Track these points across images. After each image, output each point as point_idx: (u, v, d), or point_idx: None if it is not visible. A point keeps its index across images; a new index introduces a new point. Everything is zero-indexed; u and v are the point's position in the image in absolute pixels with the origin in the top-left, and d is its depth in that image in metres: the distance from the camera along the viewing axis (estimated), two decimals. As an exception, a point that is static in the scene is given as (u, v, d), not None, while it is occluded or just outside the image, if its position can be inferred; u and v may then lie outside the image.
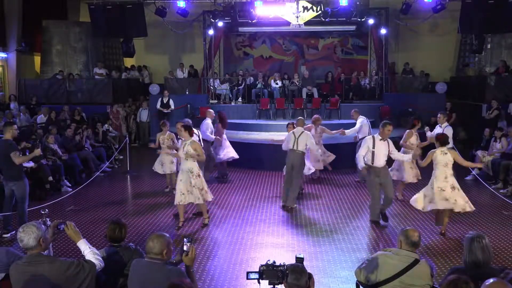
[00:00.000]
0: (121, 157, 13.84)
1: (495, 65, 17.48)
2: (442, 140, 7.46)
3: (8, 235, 7.62)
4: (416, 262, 3.95)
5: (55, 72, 18.31)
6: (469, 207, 7.24)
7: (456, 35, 18.99)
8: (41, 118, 14.53)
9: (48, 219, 4.22)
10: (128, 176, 12.11)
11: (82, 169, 11.56)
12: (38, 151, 7.73)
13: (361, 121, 10.96)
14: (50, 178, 10.01)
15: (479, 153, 11.41)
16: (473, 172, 11.05)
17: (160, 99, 16.24)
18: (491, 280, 2.92)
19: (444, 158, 7.30)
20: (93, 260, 3.78)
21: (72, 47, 19.15)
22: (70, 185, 10.68)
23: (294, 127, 9.35)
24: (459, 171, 11.23)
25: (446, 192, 7.23)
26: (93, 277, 3.70)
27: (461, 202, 7.22)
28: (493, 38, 18.02)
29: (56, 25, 19.02)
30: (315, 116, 11.17)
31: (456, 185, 7.32)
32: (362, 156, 7.91)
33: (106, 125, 14.71)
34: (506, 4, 14.49)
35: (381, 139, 7.82)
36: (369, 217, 8.27)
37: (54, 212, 8.56)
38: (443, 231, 7.52)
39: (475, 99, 16.63)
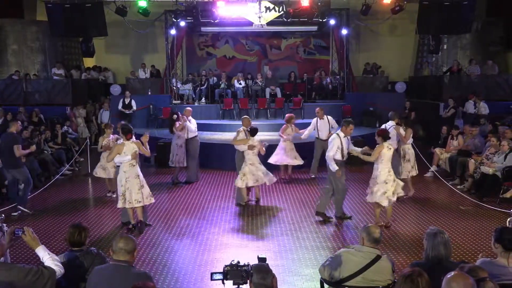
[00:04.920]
0: (81, 159, 13.54)
1: (451, 65, 18.08)
2: (383, 135, 7.71)
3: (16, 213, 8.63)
4: (378, 258, 4.04)
5: (11, 72, 17.73)
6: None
7: (414, 36, 19.52)
8: (-4, 120, 14.06)
9: (4, 224, 4.08)
10: (89, 179, 11.84)
11: (41, 173, 11.22)
12: (33, 147, 9.24)
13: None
14: (7, 182, 9.67)
15: (437, 150, 11.76)
16: (432, 169, 11.40)
17: (121, 100, 15.96)
18: (453, 273, 3.03)
19: (389, 153, 7.62)
20: (53, 266, 3.66)
21: (29, 47, 18.59)
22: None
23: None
24: (419, 168, 11.63)
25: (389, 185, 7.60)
26: (53, 284, 3.59)
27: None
28: (449, 39, 18.65)
29: (12, 24, 18.43)
30: (290, 114, 11.74)
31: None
32: (332, 157, 7.99)
33: (65, 127, 14.33)
34: (460, 6, 14.99)
35: (344, 136, 8.04)
36: (335, 213, 8.41)
37: (11, 217, 8.29)
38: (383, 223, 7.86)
39: (433, 98, 17.16)
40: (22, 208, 8.71)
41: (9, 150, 8.49)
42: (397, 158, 9.34)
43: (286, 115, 11.91)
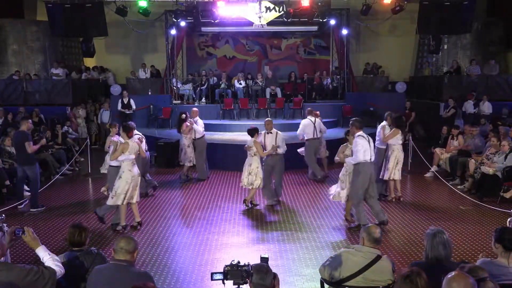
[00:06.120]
0: (82, 159, 13.53)
1: (451, 65, 18.08)
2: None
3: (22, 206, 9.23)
4: (378, 258, 4.04)
5: (11, 72, 17.73)
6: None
7: (415, 36, 19.52)
8: (-3, 120, 14.08)
9: (5, 224, 4.08)
10: (89, 179, 11.85)
11: (41, 172, 11.20)
12: (43, 141, 9.93)
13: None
14: (7, 182, 9.68)
15: (437, 150, 11.75)
16: (432, 169, 11.39)
17: (120, 100, 15.96)
18: (453, 273, 3.04)
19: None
20: (53, 266, 3.65)
21: (29, 47, 18.60)
22: (28, 189, 10.33)
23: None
24: (419, 168, 11.64)
25: None
26: (54, 284, 3.59)
27: None
28: (449, 39, 18.65)
29: (12, 24, 18.44)
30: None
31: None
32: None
33: (65, 127, 14.33)
34: (460, 6, 15.00)
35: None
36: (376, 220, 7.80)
37: (12, 217, 8.28)
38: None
39: (433, 98, 17.15)
40: (35, 210, 9.02)
41: (21, 147, 8.90)
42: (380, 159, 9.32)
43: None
